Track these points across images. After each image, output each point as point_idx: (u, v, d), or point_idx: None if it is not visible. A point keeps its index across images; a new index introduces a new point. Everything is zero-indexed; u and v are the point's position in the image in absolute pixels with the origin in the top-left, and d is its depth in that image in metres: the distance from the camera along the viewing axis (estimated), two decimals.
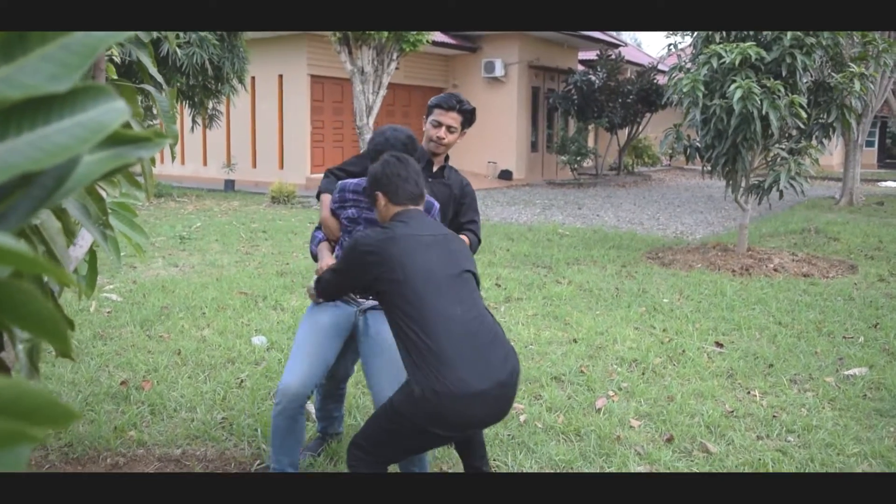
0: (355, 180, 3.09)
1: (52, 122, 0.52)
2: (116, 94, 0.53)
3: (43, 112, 0.52)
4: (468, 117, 3.45)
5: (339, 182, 3.16)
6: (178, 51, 12.44)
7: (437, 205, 3.14)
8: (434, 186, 3.44)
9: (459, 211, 3.55)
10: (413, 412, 2.39)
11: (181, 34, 12.69)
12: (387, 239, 2.58)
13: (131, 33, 0.90)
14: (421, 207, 2.78)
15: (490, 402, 2.41)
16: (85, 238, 1.82)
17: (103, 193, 1.76)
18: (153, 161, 2.16)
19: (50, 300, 1.12)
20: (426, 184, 3.41)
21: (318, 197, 3.35)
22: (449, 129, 3.40)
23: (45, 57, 0.52)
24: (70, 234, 1.18)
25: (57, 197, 0.53)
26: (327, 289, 2.87)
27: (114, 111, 0.52)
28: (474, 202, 3.60)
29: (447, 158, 3.58)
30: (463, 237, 3.44)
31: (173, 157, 2.16)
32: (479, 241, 3.60)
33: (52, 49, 0.53)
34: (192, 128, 15.12)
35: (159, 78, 2.16)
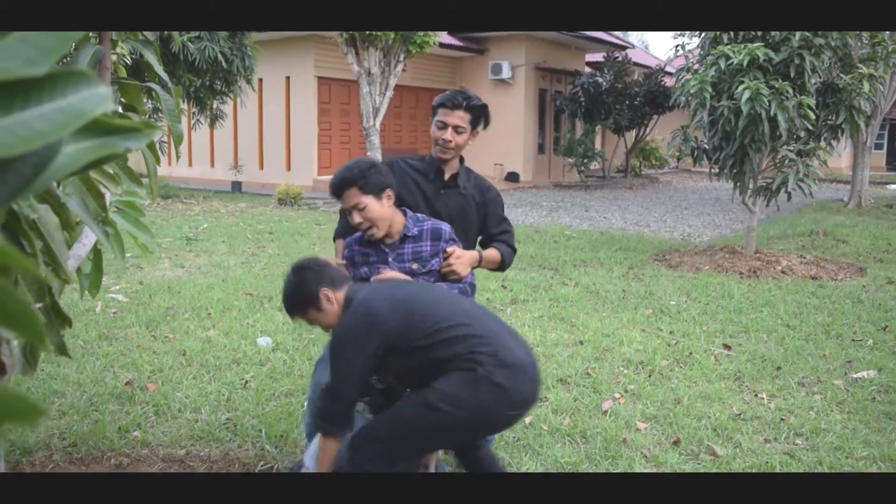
0: (357, 234, 2.92)
1: (30, 107, 0.50)
2: (99, 81, 0.51)
3: (20, 96, 0.50)
4: (477, 114, 3.06)
5: (345, 241, 2.99)
6: (190, 45, 12.43)
7: (446, 228, 2.89)
8: (446, 199, 3.09)
9: (486, 221, 3.18)
10: (475, 396, 2.35)
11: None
12: (365, 301, 2.51)
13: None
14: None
15: (533, 377, 2.47)
16: (88, 237, 1.81)
17: (106, 192, 1.75)
18: (158, 161, 2.16)
19: (48, 297, 1.11)
20: (438, 197, 3.09)
21: (334, 240, 3.19)
22: (456, 129, 3.01)
23: (22, 39, 0.51)
24: (69, 228, 1.16)
25: (36, 185, 0.52)
26: (343, 383, 2.49)
27: (95, 97, 0.50)
28: (500, 208, 3.24)
29: (462, 161, 3.18)
30: (493, 250, 3.14)
31: (178, 157, 2.14)
32: (514, 251, 3.27)
33: (30, 32, 0.52)
34: (195, 125, 15.09)
35: (165, 77, 2.15)
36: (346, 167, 2.82)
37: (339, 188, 2.78)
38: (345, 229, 3.06)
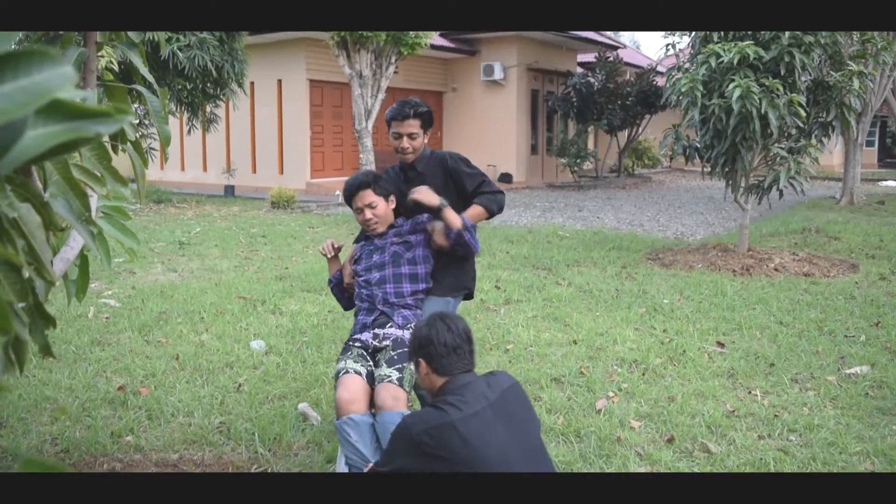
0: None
1: None
2: (64, 61, 0.50)
3: None
4: (427, 118, 3.52)
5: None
6: (179, 53, 12.43)
7: (420, 217, 3.44)
8: (413, 185, 3.55)
9: (461, 185, 3.55)
10: None
11: (181, 37, 12.66)
12: (443, 425, 2.17)
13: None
14: (473, 371, 2.45)
15: None
16: (76, 240, 1.80)
17: (92, 194, 1.74)
18: (145, 164, 2.15)
19: (31, 297, 1.10)
20: (408, 189, 3.55)
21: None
22: (411, 136, 3.47)
23: None
24: (55, 229, 1.15)
25: (2, 165, 0.51)
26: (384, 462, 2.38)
27: (59, 76, 0.50)
28: (465, 165, 3.59)
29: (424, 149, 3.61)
30: (473, 208, 3.48)
31: (166, 158, 2.14)
32: (496, 192, 3.56)
33: None
34: (189, 130, 15.04)
35: (150, 78, 2.14)
36: (361, 173, 3.48)
37: (357, 188, 3.37)
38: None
